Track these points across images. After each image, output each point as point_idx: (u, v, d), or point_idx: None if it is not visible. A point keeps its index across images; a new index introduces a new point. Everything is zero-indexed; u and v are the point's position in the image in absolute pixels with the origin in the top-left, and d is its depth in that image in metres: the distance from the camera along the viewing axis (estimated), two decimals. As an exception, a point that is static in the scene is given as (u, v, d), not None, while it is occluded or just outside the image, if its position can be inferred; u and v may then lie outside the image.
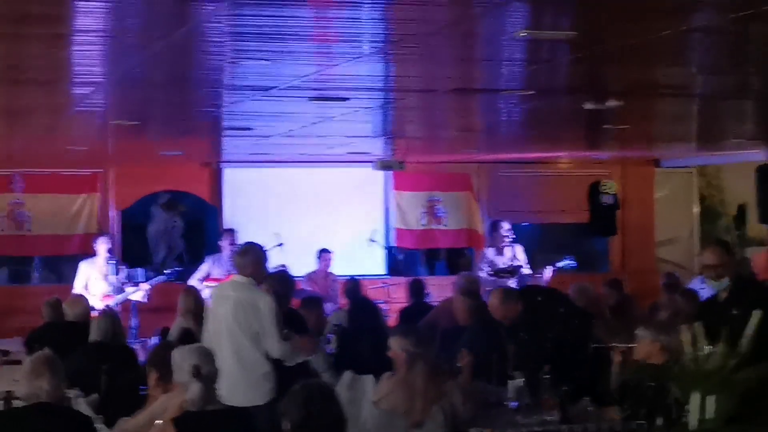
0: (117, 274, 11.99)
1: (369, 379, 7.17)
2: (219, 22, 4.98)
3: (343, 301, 11.70)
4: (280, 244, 12.82)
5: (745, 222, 15.25)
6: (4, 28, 5.01)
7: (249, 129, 9.72)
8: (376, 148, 12.22)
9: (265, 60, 5.92)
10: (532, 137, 11.94)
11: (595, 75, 6.96)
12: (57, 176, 13.50)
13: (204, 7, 4.66)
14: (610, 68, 6.68)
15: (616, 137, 11.57)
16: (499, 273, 12.82)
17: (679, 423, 5.08)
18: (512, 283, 12.71)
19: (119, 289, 11.95)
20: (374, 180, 14.48)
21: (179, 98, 7.87)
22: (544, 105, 8.39)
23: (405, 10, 4.91)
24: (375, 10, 4.95)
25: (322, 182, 14.28)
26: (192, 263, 13.81)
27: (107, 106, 8.23)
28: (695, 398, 4.37)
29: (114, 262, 12.06)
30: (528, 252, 13.31)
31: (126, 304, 12.09)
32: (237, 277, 7.44)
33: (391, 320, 11.39)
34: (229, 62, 6.22)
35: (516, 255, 13.06)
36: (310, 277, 12.88)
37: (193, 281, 12.26)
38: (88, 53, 5.78)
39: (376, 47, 5.72)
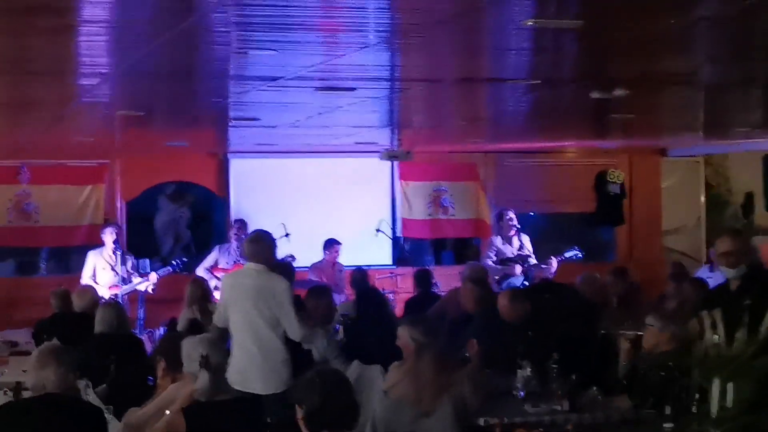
0: (124, 264, 12.00)
1: (377, 368, 7.19)
2: (225, 12, 4.96)
3: (350, 291, 11.71)
4: (287, 235, 12.84)
5: (753, 211, 15.22)
6: (11, 19, 5.00)
7: (256, 119, 9.71)
8: (383, 138, 12.19)
9: (272, 50, 5.91)
10: (538, 127, 11.91)
11: (602, 64, 6.94)
12: (63, 167, 13.48)
13: (210, -3, 4.66)
14: (617, 57, 6.65)
15: (623, 127, 11.54)
16: (505, 261, 12.82)
17: (690, 411, 5.07)
18: (518, 271, 12.74)
19: (126, 280, 11.97)
20: (381, 170, 14.43)
21: (186, 89, 7.86)
22: (551, 94, 8.37)
23: (411, 0, 4.90)
24: (381, 0, 4.94)
25: (329, 172, 14.24)
26: (199, 254, 13.81)
27: (113, 97, 8.23)
28: (716, 385, 4.35)
29: (120, 252, 12.07)
30: (534, 242, 13.31)
31: (133, 294, 12.12)
32: (251, 265, 7.50)
33: (398, 310, 11.40)
34: (235, 52, 6.21)
35: (524, 244, 13.06)
36: (316, 266, 12.84)
37: (200, 270, 12.30)
38: (94, 44, 5.78)
39: (382, 37, 5.71)
